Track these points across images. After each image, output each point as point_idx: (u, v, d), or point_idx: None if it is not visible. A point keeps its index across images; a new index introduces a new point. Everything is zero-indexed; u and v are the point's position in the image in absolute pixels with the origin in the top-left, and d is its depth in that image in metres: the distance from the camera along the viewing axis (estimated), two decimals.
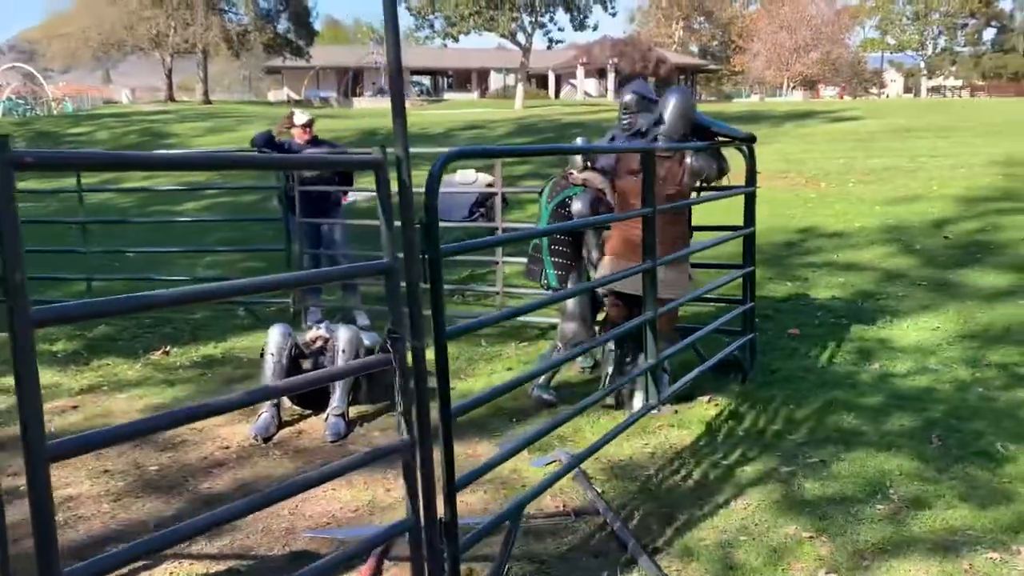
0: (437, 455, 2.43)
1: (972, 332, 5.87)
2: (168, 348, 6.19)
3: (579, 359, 5.44)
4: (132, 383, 5.45)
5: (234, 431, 4.47)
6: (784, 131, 21.47)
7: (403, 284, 2.35)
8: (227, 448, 4.31)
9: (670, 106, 4.62)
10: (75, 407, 5.02)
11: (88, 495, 3.75)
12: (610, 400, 4.72)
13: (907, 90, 69.71)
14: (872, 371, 5.23)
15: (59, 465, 3.78)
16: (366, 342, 4.87)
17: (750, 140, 5.02)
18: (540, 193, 5.30)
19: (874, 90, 66.17)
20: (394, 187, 2.29)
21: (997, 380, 4.95)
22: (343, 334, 4.69)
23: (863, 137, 19.46)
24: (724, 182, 4.99)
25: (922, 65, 67.07)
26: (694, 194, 4.98)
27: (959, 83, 64.64)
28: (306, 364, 4.75)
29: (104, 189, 13.01)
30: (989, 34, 65.78)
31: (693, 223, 5.21)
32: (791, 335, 6.06)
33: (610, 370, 4.81)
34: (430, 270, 2.38)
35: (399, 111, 2.26)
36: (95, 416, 4.82)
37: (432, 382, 2.42)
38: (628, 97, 5.00)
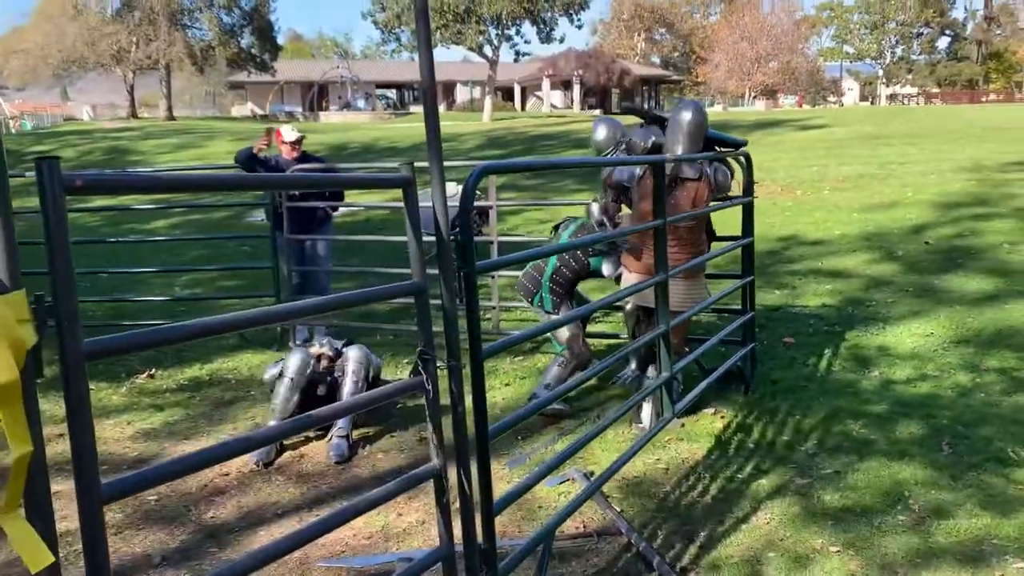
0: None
1: (965, 337, 5.90)
2: (153, 371, 6.01)
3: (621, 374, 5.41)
4: (119, 408, 5.27)
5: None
6: (754, 140, 21.55)
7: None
8: (227, 475, 4.17)
9: (686, 125, 4.45)
10: (61, 435, 4.82)
11: None
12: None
13: (863, 98, 71.02)
14: (873, 378, 5.23)
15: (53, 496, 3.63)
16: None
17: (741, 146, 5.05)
18: (555, 229, 5.23)
19: (832, 98, 67.30)
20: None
21: (997, 385, 4.96)
22: (353, 354, 4.58)
23: (832, 145, 19.74)
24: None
25: (880, 73, 68.43)
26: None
27: (915, 91, 65.99)
28: (321, 390, 4.60)
29: (72, 209, 12.68)
30: (943, 43, 67.37)
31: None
32: (786, 344, 6.05)
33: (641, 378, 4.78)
34: (466, 286, 2.29)
35: (432, 128, 2.19)
36: None
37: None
38: (600, 136, 4.90)
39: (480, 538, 2.38)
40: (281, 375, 4.50)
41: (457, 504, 2.35)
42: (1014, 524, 3.34)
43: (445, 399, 2.30)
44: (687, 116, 4.48)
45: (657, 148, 4.59)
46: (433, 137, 2.20)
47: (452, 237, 2.26)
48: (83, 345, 1.35)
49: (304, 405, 4.38)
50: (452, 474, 2.32)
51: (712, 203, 4.82)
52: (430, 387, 2.26)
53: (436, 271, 2.26)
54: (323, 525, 2.06)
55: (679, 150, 4.44)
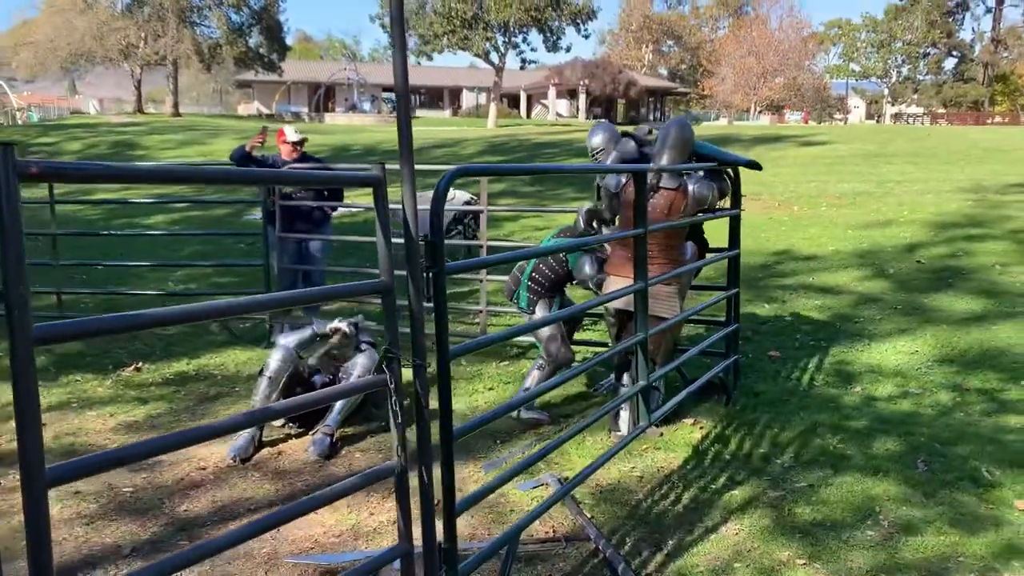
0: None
1: (950, 356, 5.92)
2: (139, 364, 6.03)
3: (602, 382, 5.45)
4: (103, 400, 5.29)
5: (211, 451, 4.34)
6: (754, 154, 21.61)
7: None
8: (204, 469, 4.19)
9: (670, 138, 4.58)
10: (43, 424, 4.84)
11: (59, 518, 3.60)
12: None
13: (869, 116, 71.12)
14: (855, 394, 5.24)
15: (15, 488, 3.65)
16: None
17: (754, 167, 5.14)
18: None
19: (838, 115, 67.39)
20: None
21: (978, 405, 4.98)
22: (362, 361, 4.60)
23: (833, 161, 19.76)
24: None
25: (886, 92, 68.53)
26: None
27: (920, 110, 66.02)
28: (299, 390, 4.61)
29: (73, 200, 12.73)
30: (950, 63, 67.40)
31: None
32: (772, 357, 6.07)
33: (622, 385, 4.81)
34: (434, 286, 2.32)
35: (404, 130, 2.21)
36: (65, 434, 4.66)
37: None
38: (596, 139, 5.00)
39: (441, 537, 2.40)
40: (260, 373, 4.52)
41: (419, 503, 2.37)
42: (981, 542, 3.36)
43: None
44: (672, 130, 4.61)
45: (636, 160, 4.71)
46: (404, 137, 2.23)
47: (422, 237, 2.29)
48: (33, 330, 1.37)
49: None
50: (414, 474, 2.34)
51: (700, 214, 4.85)
52: (392, 385, 2.28)
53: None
54: (279, 516, 2.07)
55: (663, 161, 4.51)
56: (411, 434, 2.32)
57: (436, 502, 2.38)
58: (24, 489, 1.40)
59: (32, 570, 1.40)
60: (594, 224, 5.01)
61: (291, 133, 6.74)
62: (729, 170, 5.13)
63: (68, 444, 4.54)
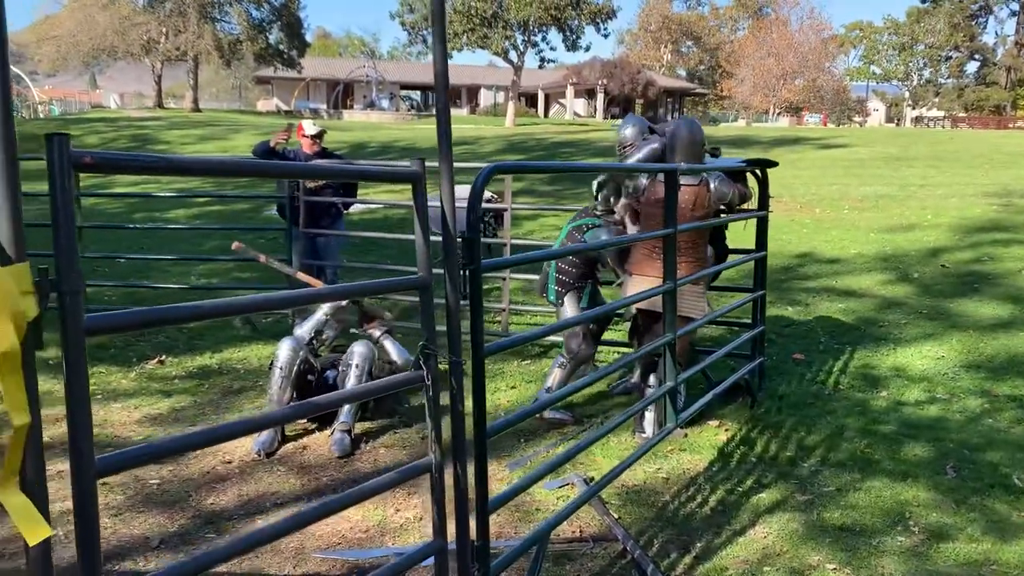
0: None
1: (977, 362, 5.85)
2: (163, 357, 6.05)
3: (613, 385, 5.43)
4: (127, 393, 5.31)
5: (236, 445, 4.35)
6: (774, 156, 21.52)
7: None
8: (229, 463, 4.19)
9: (683, 137, 4.58)
10: (58, 420, 4.87)
11: None
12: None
13: (889, 119, 70.62)
14: (881, 398, 5.19)
15: (53, 476, 3.66)
16: (395, 357, 4.75)
17: (766, 165, 5.07)
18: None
19: (857, 118, 66.99)
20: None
21: (1007, 412, 4.92)
22: (358, 349, 4.60)
23: (853, 164, 19.63)
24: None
25: (907, 95, 68.03)
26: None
27: (941, 114, 65.49)
28: (310, 378, 4.65)
29: (94, 193, 12.82)
30: (972, 67, 66.84)
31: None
32: (796, 360, 6.02)
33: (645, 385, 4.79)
34: (471, 284, 2.30)
35: (443, 126, 2.20)
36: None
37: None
38: (628, 131, 5.00)
39: (474, 535, 2.39)
40: (272, 365, 4.55)
41: (452, 500, 2.36)
42: (1015, 551, 3.31)
43: (446, 396, 2.32)
44: (683, 131, 4.60)
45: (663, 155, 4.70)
46: (444, 134, 2.22)
47: (460, 235, 2.28)
48: (84, 321, 1.36)
49: (304, 396, 4.45)
50: (449, 471, 2.32)
51: (724, 215, 4.82)
52: (430, 382, 2.27)
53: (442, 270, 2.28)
54: (317, 512, 2.06)
55: (678, 159, 4.55)
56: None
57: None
58: (74, 479, 1.40)
59: (81, 558, 1.40)
60: (610, 200, 4.98)
61: (309, 126, 6.76)
62: (757, 171, 5.09)
63: (94, 436, 4.55)
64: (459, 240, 2.26)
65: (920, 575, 3.14)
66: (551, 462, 3.00)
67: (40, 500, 1.33)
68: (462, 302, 2.29)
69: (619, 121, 5.02)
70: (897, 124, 66.08)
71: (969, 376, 5.58)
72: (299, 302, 2.43)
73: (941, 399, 5.17)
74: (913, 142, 26.27)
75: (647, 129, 5.01)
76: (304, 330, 4.77)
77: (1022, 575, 3.15)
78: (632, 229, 4.85)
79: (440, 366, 2.31)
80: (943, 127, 56.41)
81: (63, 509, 3.54)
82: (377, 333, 4.78)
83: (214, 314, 1.60)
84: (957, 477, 4.03)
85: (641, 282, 4.57)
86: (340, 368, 4.63)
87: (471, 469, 2.37)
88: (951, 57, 65.60)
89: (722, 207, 4.89)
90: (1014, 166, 18.76)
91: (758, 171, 5.09)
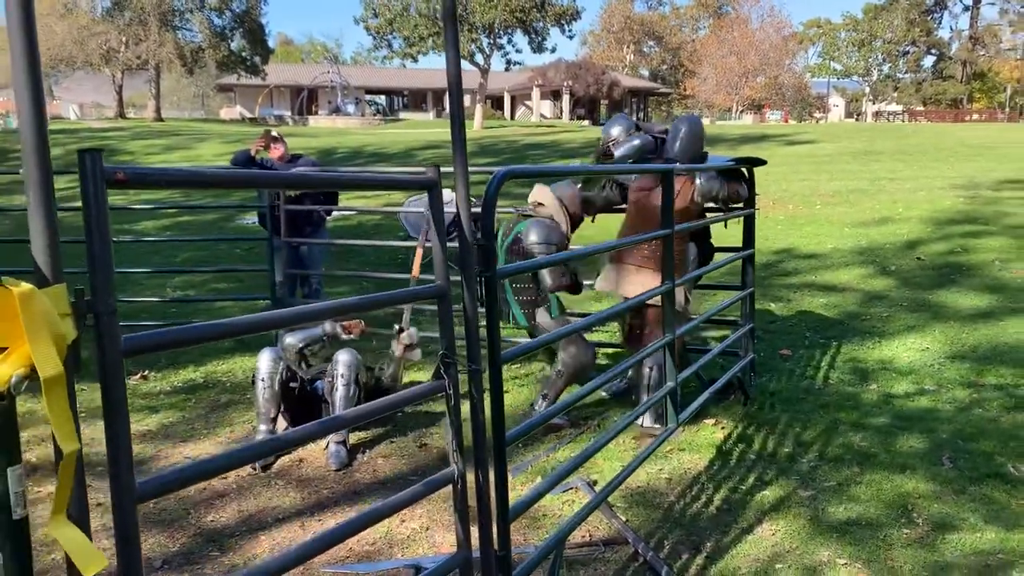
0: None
1: (961, 353, 5.93)
2: (146, 372, 5.94)
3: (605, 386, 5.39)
4: None
5: None
6: (741, 153, 21.78)
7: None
8: (226, 479, 4.11)
9: (683, 132, 4.68)
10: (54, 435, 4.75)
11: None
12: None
13: (849, 115, 71.67)
14: (871, 391, 5.24)
15: (47, 499, 3.56)
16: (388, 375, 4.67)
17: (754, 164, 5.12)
18: (496, 235, 5.18)
19: (817, 114, 67.89)
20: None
21: (995, 401, 4.99)
22: (343, 358, 4.52)
23: (820, 160, 19.86)
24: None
25: (867, 90, 69.10)
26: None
27: (899, 108, 66.59)
28: (292, 385, 4.56)
29: (66, 208, 12.55)
30: (929, 61, 68.02)
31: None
32: (783, 356, 6.07)
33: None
34: (486, 291, 2.27)
35: (457, 130, 2.17)
36: None
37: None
38: (614, 130, 5.04)
39: (495, 544, 2.36)
40: (254, 379, 4.48)
41: (471, 510, 2.32)
42: (1019, 539, 3.35)
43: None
44: (683, 126, 4.74)
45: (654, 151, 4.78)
46: (458, 139, 2.18)
47: (474, 242, 2.25)
48: (122, 342, 1.31)
49: (291, 406, 4.42)
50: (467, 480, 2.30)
51: (710, 215, 4.85)
52: (451, 391, 2.24)
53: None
54: (345, 529, 2.02)
55: (675, 150, 4.61)
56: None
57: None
58: (115, 504, 1.34)
59: None
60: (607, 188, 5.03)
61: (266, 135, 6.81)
62: (743, 169, 5.12)
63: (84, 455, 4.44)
64: (474, 247, 2.23)
65: (931, 567, 3.16)
66: (561, 470, 2.97)
67: (84, 529, 1.28)
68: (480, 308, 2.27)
69: (585, 122, 5.06)
70: (857, 119, 67.07)
71: (955, 367, 5.65)
72: (329, 314, 2.38)
73: (930, 390, 5.23)
74: (878, 136, 26.67)
75: (633, 127, 5.05)
76: (295, 338, 4.63)
77: None
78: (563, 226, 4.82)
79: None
80: (901, 121, 57.39)
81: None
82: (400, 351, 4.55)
83: (249, 330, 1.55)
84: (954, 467, 4.07)
85: (623, 271, 4.64)
86: (326, 379, 4.54)
87: (491, 478, 2.34)
88: (908, 52, 66.74)
89: (710, 205, 4.92)
90: (978, 158, 19.11)
91: (744, 169, 5.11)
